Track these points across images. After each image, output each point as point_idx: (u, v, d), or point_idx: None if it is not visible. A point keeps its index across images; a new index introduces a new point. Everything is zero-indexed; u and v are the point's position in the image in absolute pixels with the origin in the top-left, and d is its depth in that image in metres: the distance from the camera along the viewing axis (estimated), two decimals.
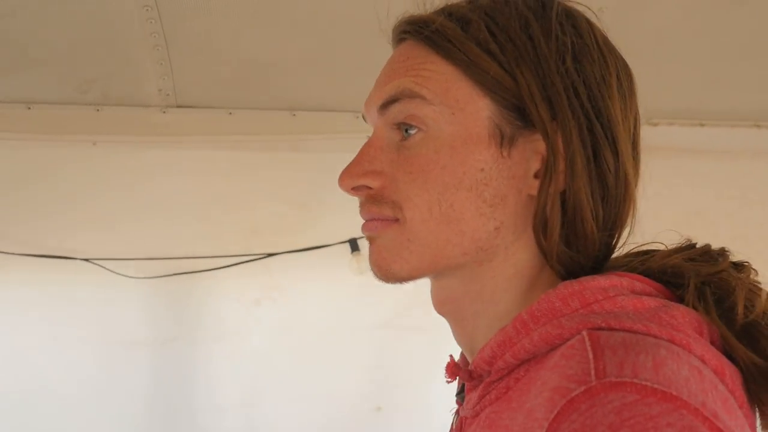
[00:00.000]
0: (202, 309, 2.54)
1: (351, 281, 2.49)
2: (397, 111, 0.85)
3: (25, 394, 2.46)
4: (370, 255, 0.88)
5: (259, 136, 2.31)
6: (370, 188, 0.87)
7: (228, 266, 2.43)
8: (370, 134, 0.91)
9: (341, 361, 2.59)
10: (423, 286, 0.92)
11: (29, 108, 2.22)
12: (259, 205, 2.45)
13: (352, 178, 0.87)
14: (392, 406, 2.64)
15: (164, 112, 2.26)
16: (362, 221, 0.89)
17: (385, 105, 0.86)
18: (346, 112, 2.28)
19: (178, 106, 2.27)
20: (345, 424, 2.64)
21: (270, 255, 2.44)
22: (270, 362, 2.56)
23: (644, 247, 0.87)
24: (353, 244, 2.44)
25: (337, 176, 0.89)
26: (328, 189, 2.33)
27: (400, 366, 2.64)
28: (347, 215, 2.23)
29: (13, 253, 2.31)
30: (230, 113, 2.29)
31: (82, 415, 2.50)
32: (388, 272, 0.86)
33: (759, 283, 0.81)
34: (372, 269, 0.88)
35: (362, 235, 0.90)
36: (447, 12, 0.87)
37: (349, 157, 0.89)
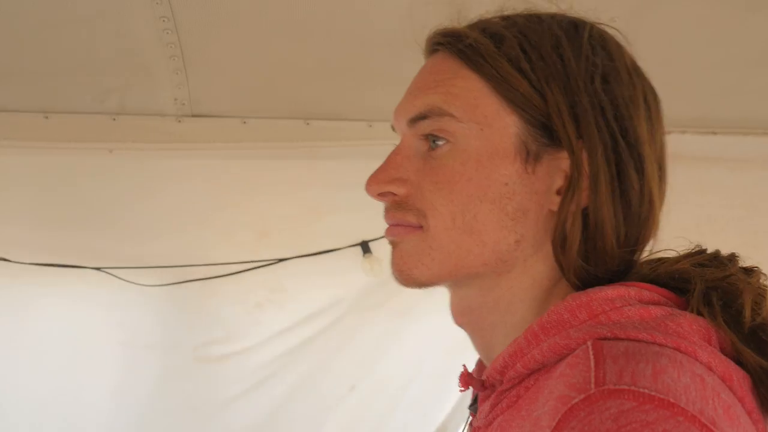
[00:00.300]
0: (215, 315, 2.55)
1: (362, 283, 2.51)
2: (426, 125, 0.87)
3: (39, 397, 2.48)
4: (391, 259, 0.90)
5: (273, 144, 2.32)
6: (396, 195, 0.89)
7: (240, 272, 2.45)
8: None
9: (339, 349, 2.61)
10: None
11: (47, 117, 2.24)
12: (271, 211, 2.47)
13: (379, 184, 0.89)
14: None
15: (179, 121, 2.28)
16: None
17: (414, 120, 0.88)
18: (360, 121, 2.29)
19: (193, 116, 2.29)
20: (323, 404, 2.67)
21: (281, 260, 2.46)
22: (281, 366, 2.57)
23: (656, 255, 0.88)
24: (365, 247, 2.45)
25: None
26: (340, 195, 2.36)
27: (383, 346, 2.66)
28: (358, 219, 2.26)
29: (25, 263, 2.32)
30: (244, 122, 2.31)
31: (94, 418, 2.51)
32: (408, 277, 0.88)
33: None
34: (393, 273, 0.90)
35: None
36: (481, 27, 0.88)
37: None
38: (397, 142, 0.93)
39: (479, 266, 0.86)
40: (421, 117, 0.87)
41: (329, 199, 2.41)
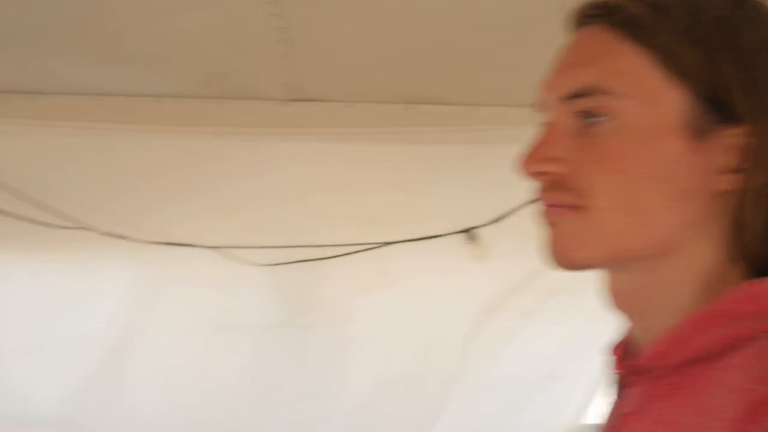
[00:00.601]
0: (320, 296, 2.59)
1: (464, 271, 2.50)
2: (585, 102, 0.83)
3: (148, 373, 2.56)
4: (549, 241, 0.87)
5: (377, 129, 2.34)
6: (553, 174, 0.85)
7: (347, 254, 2.48)
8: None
9: (447, 346, 2.61)
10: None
11: (158, 101, 2.32)
12: (376, 196, 2.49)
13: (535, 163, 0.85)
14: None
15: (286, 105, 2.32)
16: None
17: (571, 97, 0.84)
18: (464, 105, 2.25)
19: (299, 100, 2.33)
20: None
21: (386, 244, 2.47)
22: (382, 349, 2.59)
23: None
24: (469, 233, 2.42)
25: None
26: (443, 180, 2.35)
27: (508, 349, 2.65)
28: (462, 205, 2.24)
29: (143, 241, 2.41)
30: (349, 106, 2.33)
31: (197, 394, 2.59)
32: (567, 259, 0.85)
33: None
34: (550, 256, 0.86)
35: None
36: None
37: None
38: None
39: (642, 249, 0.82)
40: (580, 94, 0.83)
41: (433, 184, 2.39)
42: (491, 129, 2.26)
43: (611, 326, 0.93)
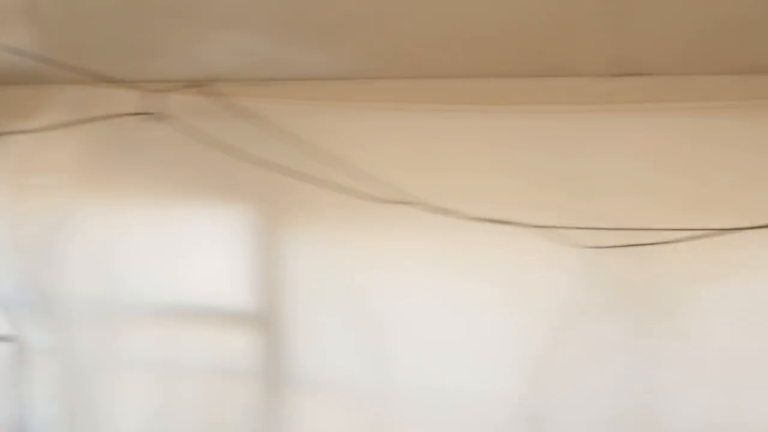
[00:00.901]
0: (648, 283, 2.48)
1: None
2: None
3: (464, 351, 2.61)
4: None
5: (712, 103, 2.22)
6: None
7: (676, 241, 2.35)
8: None
9: None
10: None
11: (481, 81, 2.37)
12: (711, 176, 2.35)
13: None
14: None
15: (612, 80, 2.28)
16: None
17: None
18: None
19: (627, 74, 2.27)
20: None
21: (723, 230, 2.31)
22: (720, 347, 2.43)
23: None
24: None
25: None
26: None
27: None
28: None
29: (468, 218, 2.44)
30: (682, 79, 2.25)
31: (514, 377, 2.58)
32: None
33: None
34: None
35: None
36: None
37: None
38: None
39: None
40: None
41: None
42: None
43: None
